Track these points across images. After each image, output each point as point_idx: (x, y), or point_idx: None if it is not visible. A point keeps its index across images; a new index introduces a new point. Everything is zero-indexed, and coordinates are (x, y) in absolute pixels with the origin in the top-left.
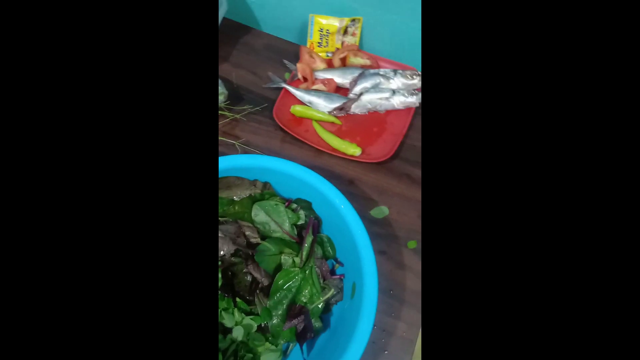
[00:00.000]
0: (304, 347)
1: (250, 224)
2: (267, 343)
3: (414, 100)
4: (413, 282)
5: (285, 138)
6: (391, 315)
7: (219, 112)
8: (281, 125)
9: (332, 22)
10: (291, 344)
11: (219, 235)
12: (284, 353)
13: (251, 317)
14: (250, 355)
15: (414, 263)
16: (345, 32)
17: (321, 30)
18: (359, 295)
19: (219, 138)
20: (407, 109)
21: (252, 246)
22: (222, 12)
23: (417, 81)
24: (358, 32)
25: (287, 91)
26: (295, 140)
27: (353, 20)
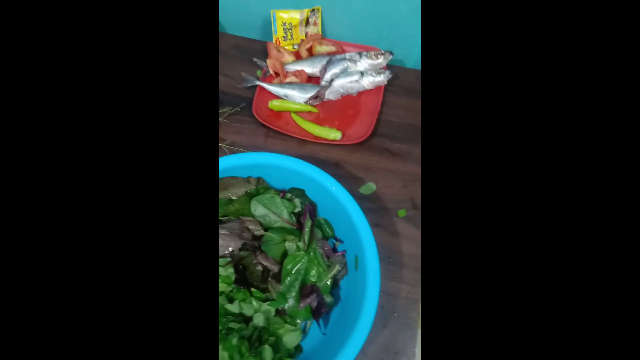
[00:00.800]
0: (321, 322)
1: (251, 219)
2: (286, 325)
3: (382, 78)
4: (408, 247)
5: (268, 133)
6: (394, 280)
7: None
8: (262, 122)
9: (293, 15)
10: (308, 322)
11: (225, 233)
12: (303, 331)
13: (268, 302)
14: (274, 338)
15: (406, 229)
16: (307, 22)
17: (284, 24)
18: (362, 266)
19: None
20: (377, 87)
21: (257, 238)
22: None
23: (381, 60)
24: (319, 21)
25: (262, 88)
26: (278, 134)
27: (312, 10)
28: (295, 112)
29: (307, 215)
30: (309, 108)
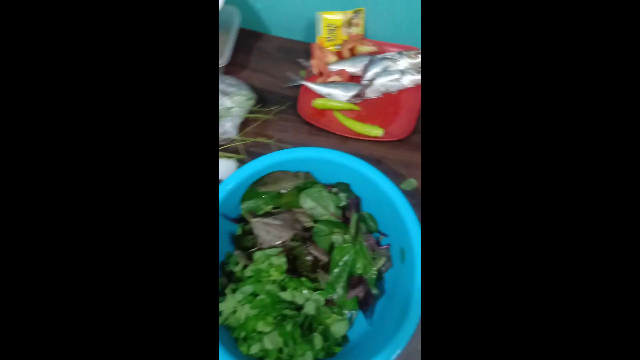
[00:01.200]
0: (367, 313)
1: (302, 210)
2: (334, 314)
3: (421, 77)
4: None
5: (311, 131)
6: None
7: (252, 114)
8: (307, 120)
9: (338, 17)
10: (354, 313)
11: (278, 223)
12: (349, 322)
13: (318, 292)
14: (322, 327)
15: None
16: (350, 24)
17: (329, 25)
18: (410, 258)
19: (254, 139)
20: (418, 85)
21: (307, 230)
22: (237, 22)
23: (420, 59)
24: (361, 22)
25: (306, 87)
26: (321, 132)
27: (356, 11)
28: (338, 110)
29: (352, 209)
30: (351, 106)
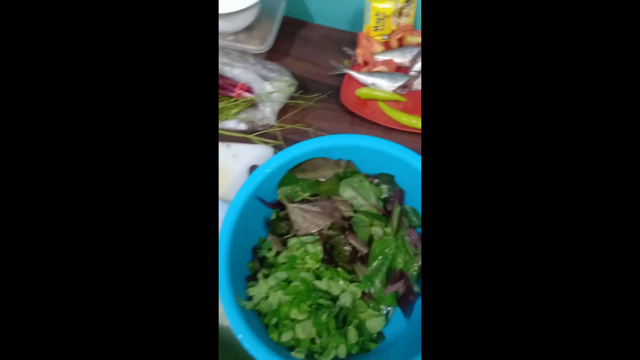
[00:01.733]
0: (406, 311)
1: (342, 199)
2: (370, 309)
3: None
4: None
5: (353, 121)
6: None
7: (292, 101)
8: (349, 109)
9: (388, 5)
10: (391, 310)
11: (317, 210)
12: (386, 318)
13: (355, 284)
14: (357, 320)
15: None
16: (400, 13)
17: (377, 14)
18: None
19: (292, 127)
20: None
21: (347, 219)
22: (281, 9)
23: None
24: (412, 12)
25: (350, 76)
26: (363, 122)
27: (407, 1)
28: (383, 100)
29: (395, 202)
30: (396, 97)
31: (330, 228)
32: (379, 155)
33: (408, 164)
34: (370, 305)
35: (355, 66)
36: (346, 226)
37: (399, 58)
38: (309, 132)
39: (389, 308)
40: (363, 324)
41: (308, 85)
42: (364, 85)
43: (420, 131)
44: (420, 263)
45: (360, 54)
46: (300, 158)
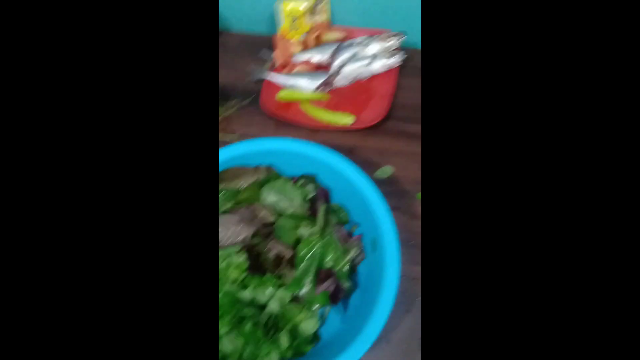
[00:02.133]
0: (340, 308)
1: (263, 205)
2: (303, 312)
3: (395, 60)
4: None
5: (279, 124)
6: (415, 264)
7: None
8: (270, 114)
9: (299, 5)
10: (326, 309)
11: (237, 219)
12: (321, 318)
13: (283, 288)
14: (290, 325)
15: None
16: (313, 11)
17: (289, 15)
18: (380, 247)
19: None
20: (390, 70)
21: (270, 225)
22: None
23: (393, 42)
24: (326, 8)
25: (269, 81)
26: (288, 125)
27: None
28: (306, 101)
29: (320, 200)
30: (319, 96)
31: (254, 235)
32: (298, 157)
33: (327, 163)
34: (304, 307)
35: (275, 69)
36: (269, 232)
37: (318, 56)
38: (233, 140)
39: (325, 308)
40: (297, 327)
41: (229, 93)
42: (284, 87)
43: (347, 128)
44: (349, 257)
45: (277, 56)
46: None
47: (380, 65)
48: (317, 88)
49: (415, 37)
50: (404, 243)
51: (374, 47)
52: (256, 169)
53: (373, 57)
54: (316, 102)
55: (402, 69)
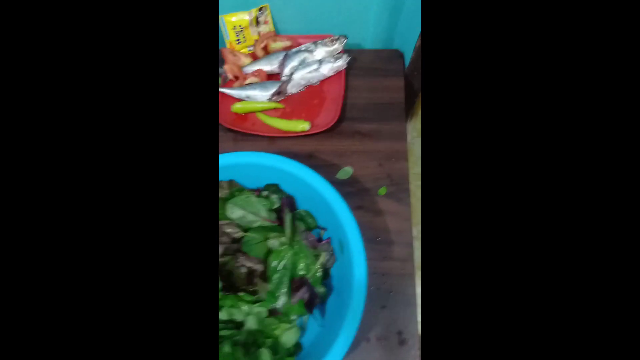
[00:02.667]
0: (317, 314)
1: (228, 221)
2: (282, 324)
3: (341, 63)
4: (394, 223)
5: (236, 137)
6: (384, 259)
7: None
8: (227, 127)
9: (242, 17)
10: (305, 318)
11: None
12: (301, 328)
13: (259, 304)
14: (271, 339)
15: (389, 206)
16: (257, 22)
17: (235, 28)
18: (347, 248)
19: None
20: (338, 73)
21: (237, 241)
22: None
23: (337, 45)
24: (269, 19)
25: (223, 94)
26: (246, 137)
27: (260, 9)
28: (260, 111)
29: (285, 209)
30: (273, 105)
31: (223, 255)
32: (258, 169)
33: (287, 171)
34: (282, 319)
35: (227, 83)
36: (238, 248)
37: (267, 66)
38: None
39: (304, 317)
40: (277, 341)
41: None
42: (238, 100)
43: (304, 133)
44: (320, 262)
45: (228, 69)
46: None
47: (328, 68)
48: (271, 97)
49: (356, 38)
50: (372, 240)
51: (320, 52)
52: (218, 185)
53: (320, 62)
54: (271, 112)
55: (348, 70)
